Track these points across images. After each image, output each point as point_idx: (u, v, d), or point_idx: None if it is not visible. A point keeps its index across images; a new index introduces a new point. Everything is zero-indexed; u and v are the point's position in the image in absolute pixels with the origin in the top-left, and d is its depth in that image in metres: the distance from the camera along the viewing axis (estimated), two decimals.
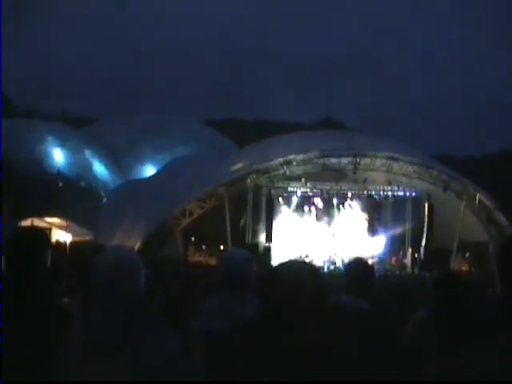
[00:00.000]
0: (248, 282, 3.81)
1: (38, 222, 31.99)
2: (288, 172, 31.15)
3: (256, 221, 31.38)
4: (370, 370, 2.40)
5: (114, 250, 2.95)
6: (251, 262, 3.93)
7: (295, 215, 32.19)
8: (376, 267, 29.41)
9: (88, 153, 49.03)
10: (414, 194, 31.87)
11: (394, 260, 31.71)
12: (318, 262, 28.66)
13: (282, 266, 2.60)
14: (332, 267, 29.06)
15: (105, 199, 39.51)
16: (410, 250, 31.71)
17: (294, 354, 2.28)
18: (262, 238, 31.09)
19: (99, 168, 48.75)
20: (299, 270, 2.49)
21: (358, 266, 4.23)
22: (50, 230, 31.37)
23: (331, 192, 32.06)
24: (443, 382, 2.12)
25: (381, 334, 2.89)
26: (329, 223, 32.09)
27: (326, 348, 2.30)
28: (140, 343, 2.59)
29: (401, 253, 31.93)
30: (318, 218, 32.12)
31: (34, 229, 6.62)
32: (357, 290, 3.88)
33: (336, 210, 32.32)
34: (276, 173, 31.09)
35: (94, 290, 2.77)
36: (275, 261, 26.69)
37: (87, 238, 32.57)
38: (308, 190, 31.97)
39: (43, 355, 2.78)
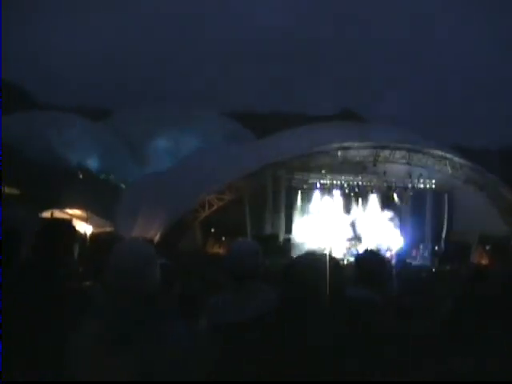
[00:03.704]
0: (255, 273, 3.71)
1: (58, 214, 32.16)
2: (308, 164, 31.07)
3: (276, 212, 31.37)
4: (378, 362, 2.39)
5: (127, 245, 2.92)
6: (257, 254, 3.80)
7: (315, 207, 32.14)
8: (395, 260, 29.39)
9: (107, 145, 49.23)
10: (434, 186, 31.71)
11: (413, 253, 31.58)
12: (337, 254, 28.62)
13: (301, 258, 2.59)
14: (351, 260, 28.97)
15: (125, 191, 39.68)
16: (430, 242, 31.58)
17: (305, 348, 2.27)
18: (282, 229, 31.08)
19: (119, 160, 48.93)
20: (318, 262, 2.48)
21: (368, 258, 4.15)
22: (70, 221, 31.52)
23: (351, 184, 31.98)
24: (445, 382, 2.10)
25: (389, 328, 2.87)
26: (348, 215, 32.01)
27: (331, 343, 2.30)
28: (151, 340, 2.58)
29: (421, 246, 31.78)
30: (338, 210, 32.04)
31: (62, 221, 6.70)
32: (367, 282, 3.80)
33: (356, 203, 32.26)
34: (296, 165, 31.02)
35: (109, 285, 2.77)
36: (295, 252, 26.68)
37: (107, 229, 32.72)
38: (328, 182, 31.91)
39: (58, 345, 2.81)
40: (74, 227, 3.90)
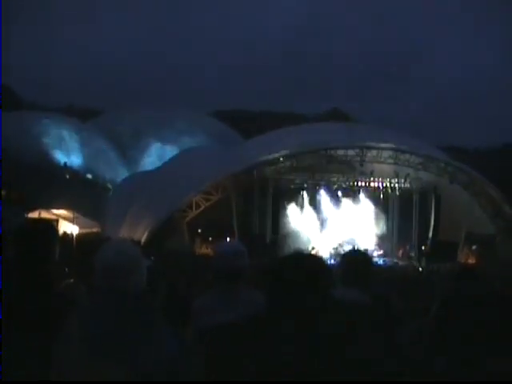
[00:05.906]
0: (242, 274, 3.72)
1: (45, 214, 32.04)
2: (295, 164, 31.08)
3: (263, 213, 31.34)
4: (364, 362, 2.39)
5: (114, 246, 2.90)
6: (243, 255, 3.80)
7: (302, 207, 32.16)
8: (382, 259, 29.49)
9: (94, 145, 49.00)
10: (420, 185, 31.79)
11: (400, 252, 31.68)
12: (324, 254, 28.65)
13: (288, 258, 2.58)
14: (338, 259, 28.95)
15: (111, 191, 39.57)
16: (416, 242, 31.67)
17: (292, 348, 2.27)
18: (269, 229, 31.07)
19: (106, 160, 48.73)
20: (305, 262, 2.47)
21: (354, 257, 4.12)
22: (57, 221, 31.41)
23: (338, 184, 32.02)
24: (445, 382, 2.11)
25: (376, 327, 2.87)
26: (335, 215, 32.03)
27: (322, 342, 2.30)
28: (137, 342, 2.57)
29: (408, 245, 31.87)
30: (325, 210, 32.07)
31: (41, 221, 6.64)
32: (352, 281, 3.77)
33: (343, 202, 32.28)
34: (283, 165, 31.03)
35: (94, 287, 2.75)
36: (282, 252, 26.68)
37: (94, 229, 32.63)
38: (315, 182, 31.93)
39: (43, 349, 2.78)
40: (54, 228, 3.85)
